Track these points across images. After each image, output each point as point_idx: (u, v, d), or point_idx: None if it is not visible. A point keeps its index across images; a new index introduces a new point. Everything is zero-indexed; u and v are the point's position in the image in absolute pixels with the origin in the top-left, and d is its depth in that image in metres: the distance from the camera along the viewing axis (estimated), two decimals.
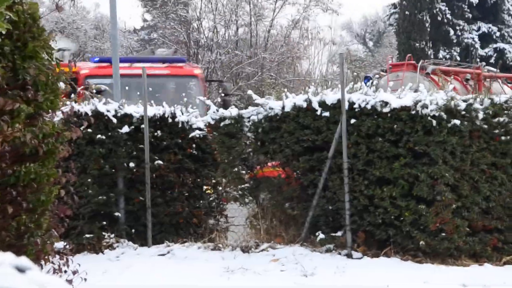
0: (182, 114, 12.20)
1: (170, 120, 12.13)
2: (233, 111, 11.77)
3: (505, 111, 10.75)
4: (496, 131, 10.63)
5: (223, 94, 17.43)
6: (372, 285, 8.92)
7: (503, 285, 8.85)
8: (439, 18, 38.20)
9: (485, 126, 10.54)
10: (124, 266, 10.25)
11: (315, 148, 10.96)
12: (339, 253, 10.46)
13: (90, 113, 11.51)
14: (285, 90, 12.62)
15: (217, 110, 11.88)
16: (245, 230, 11.67)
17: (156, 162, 11.90)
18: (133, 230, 11.78)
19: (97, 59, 16.44)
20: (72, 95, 11.71)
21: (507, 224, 10.64)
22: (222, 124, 11.76)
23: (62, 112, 6.87)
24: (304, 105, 11.00)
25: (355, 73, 30.23)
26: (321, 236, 10.75)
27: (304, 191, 11.11)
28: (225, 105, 15.55)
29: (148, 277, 9.59)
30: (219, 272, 9.73)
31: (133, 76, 15.00)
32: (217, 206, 12.31)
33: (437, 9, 38.10)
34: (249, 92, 12.17)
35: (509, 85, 23.26)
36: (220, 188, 12.30)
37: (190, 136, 12.15)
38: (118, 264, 10.47)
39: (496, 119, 10.62)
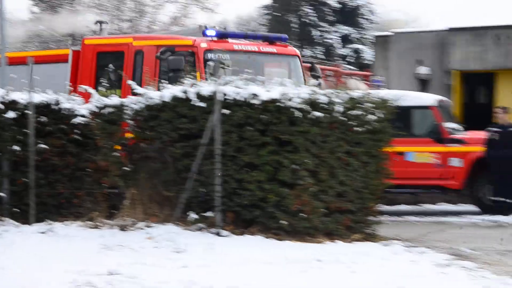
0: (67, 101, 12.03)
1: (54, 107, 11.93)
2: (114, 99, 11.68)
3: (360, 105, 11.09)
4: (352, 122, 10.94)
5: (314, 75, 15.12)
6: (237, 260, 9.03)
7: (351, 259, 9.16)
8: (305, 20, 38.91)
9: (343, 118, 10.83)
10: (6, 244, 9.98)
11: (191, 135, 10.99)
12: (210, 232, 10.54)
13: None
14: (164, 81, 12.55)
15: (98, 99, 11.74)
16: (123, 210, 11.56)
17: (40, 146, 11.67)
18: (17, 210, 11.50)
19: (211, 32, 13.68)
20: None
21: (358, 206, 10.99)
22: (104, 111, 11.63)
23: None
24: (182, 96, 11.01)
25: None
26: (193, 216, 10.80)
27: (179, 175, 11.11)
28: (319, 85, 13.96)
29: (28, 254, 9.34)
30: (97, 249, 9.62)
31: (246, 52, 13.63)
32: (98, 187, 12.15)
33: (304, 12, 38.79)
34: (129, 82, 12.06)
35: (365, 82, 24.00)
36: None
37: (73, 122, 11.97)
38: (0, 241, 10.18)
39: (352, 112, 10.93)
